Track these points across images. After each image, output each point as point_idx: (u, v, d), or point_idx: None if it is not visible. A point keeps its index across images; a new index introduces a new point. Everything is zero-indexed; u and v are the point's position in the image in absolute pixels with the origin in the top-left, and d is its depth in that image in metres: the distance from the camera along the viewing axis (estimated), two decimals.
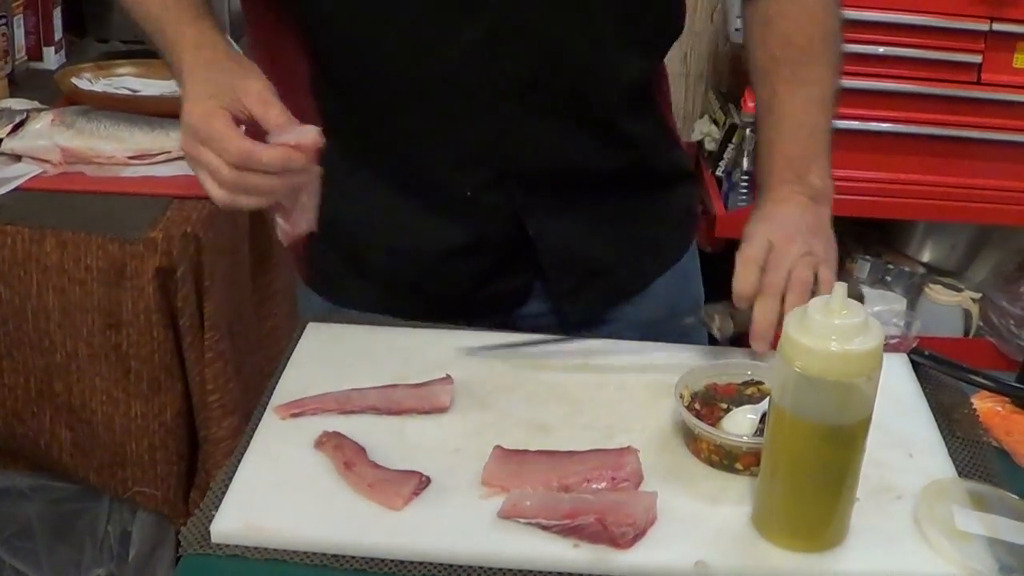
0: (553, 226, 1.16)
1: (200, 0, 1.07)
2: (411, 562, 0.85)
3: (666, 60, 1.22)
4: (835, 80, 1.14)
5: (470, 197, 1.13)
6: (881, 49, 2.29)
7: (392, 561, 0.86)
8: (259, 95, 0.96)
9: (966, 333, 2.59)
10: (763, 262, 1.04)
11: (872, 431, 0.85)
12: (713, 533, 0.88)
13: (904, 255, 2.63)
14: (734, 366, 1.04)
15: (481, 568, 0.85)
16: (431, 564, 0.85)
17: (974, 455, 1.00)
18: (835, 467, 0.84)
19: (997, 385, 1.09)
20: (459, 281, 1.19)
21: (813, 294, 1.02)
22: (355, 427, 0.99)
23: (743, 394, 1.00)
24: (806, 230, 1.07)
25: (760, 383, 1.01)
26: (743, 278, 1.04)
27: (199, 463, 1.59)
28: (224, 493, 0.91)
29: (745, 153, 2.46)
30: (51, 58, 2.19)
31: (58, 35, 2.21)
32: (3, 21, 2.03)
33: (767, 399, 0.92)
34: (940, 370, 1.11)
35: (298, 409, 1.02)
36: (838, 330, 0.80)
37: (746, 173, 2.48)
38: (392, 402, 1.03)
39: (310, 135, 0.94)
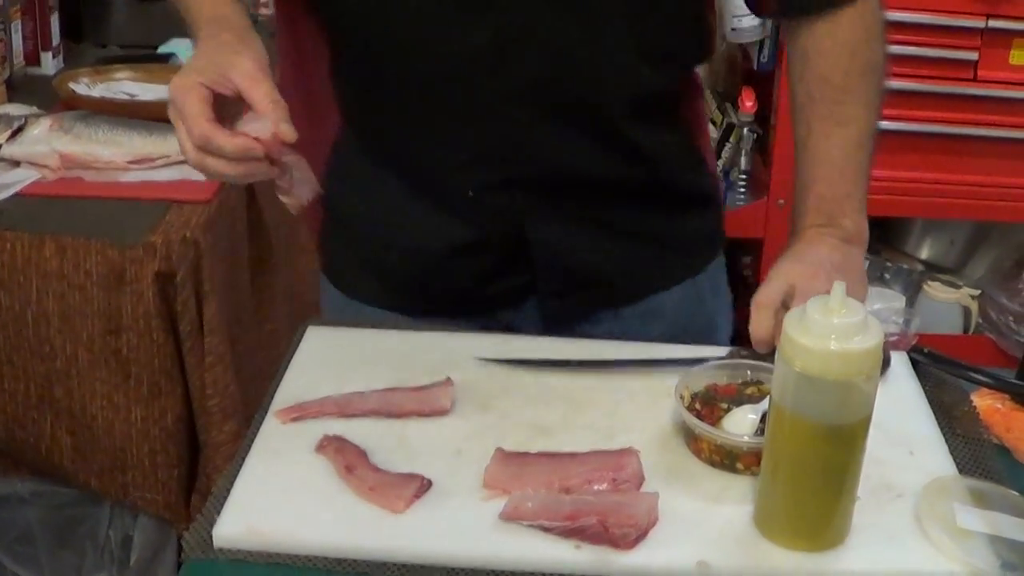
0: (551, 230, 1.15)
1: None
2: (413, 565, 0.85)
3: None
4: (872, 118, 1.11)
5: (472, 197, 1.13)
6: None
7: (394, 564, 0.86)
8: (248, 72, 0.95)
9: (965, 330, 2.58)
10: (778, 304, 1.01)
11: (872, 430, 0.85)
12: (715, 533, 0.88)
13: (902, 252, 2.63)
14: (734, 366, 1.04)
15: (483, 570, 0.85)
16: (433, 567, 0.85)
17: (975, 452, 1.00)
18: (836, 466, 0.84)
19: (997, 382, 1.09)
20: (461, 279, 1.19)
21: None
22: (356, 431, 0.99)
23: (743, 394, 1.01)
24: (831, 267, 1.04)
25: (760, 383, 1.01)
26: (757, 323, 1.01)
27: (200, 467, 1.59)
28: (226, 498, 0.91)
29: (743, 153, 2.46)
30: (49, 63, 2.19)
31: (56, 40, 2.21)
32: (1, 26, 2.03)
33: (767, 399, 0.92)
34: (940, 368, 1.11)
35: (299, 413, 1.02)
36: (837, 329, 0.81)
37: (744, 172, 2.49)
38: (393, 405, 1.03)
39: (267, 132, 0.93)
